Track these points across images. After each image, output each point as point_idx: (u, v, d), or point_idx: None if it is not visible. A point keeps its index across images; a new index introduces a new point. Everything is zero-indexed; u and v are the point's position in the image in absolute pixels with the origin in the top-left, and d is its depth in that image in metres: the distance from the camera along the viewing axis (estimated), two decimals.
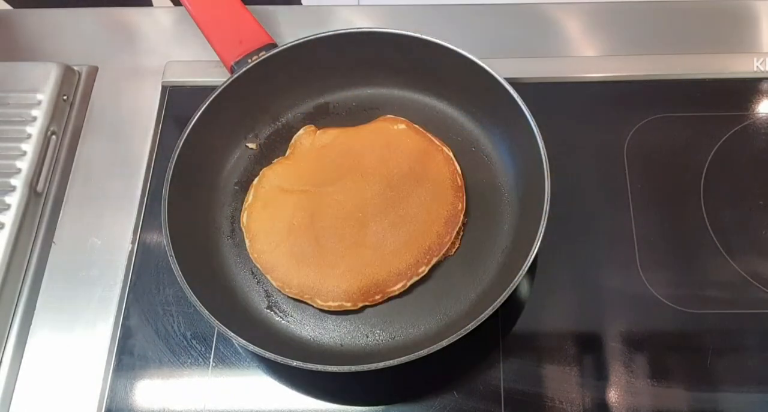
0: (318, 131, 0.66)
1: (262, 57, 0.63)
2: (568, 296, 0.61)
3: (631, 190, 0.64)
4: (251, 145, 0.67)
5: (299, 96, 0.69)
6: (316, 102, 0.69)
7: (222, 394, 0.58)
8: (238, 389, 0.58)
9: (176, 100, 0.71)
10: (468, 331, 0.51)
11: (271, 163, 0.65)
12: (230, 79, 0.63)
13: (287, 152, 0.66)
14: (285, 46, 0.64)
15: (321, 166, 0.63)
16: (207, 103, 0.61)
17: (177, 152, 0.59)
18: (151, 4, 0.78)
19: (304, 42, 0.64)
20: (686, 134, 0.67)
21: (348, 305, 0.58)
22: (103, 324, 0.61)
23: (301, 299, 0.59)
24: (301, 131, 0.66)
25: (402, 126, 0.65)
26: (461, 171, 0.63)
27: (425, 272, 0.59)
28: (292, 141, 0.66)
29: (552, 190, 0.55)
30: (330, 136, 0.65)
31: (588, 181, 0.65)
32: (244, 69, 0.63)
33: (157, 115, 0.70)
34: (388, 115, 0.66)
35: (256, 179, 0.64)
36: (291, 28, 0.69)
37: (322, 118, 0.69)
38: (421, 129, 0.65)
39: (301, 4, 0.77)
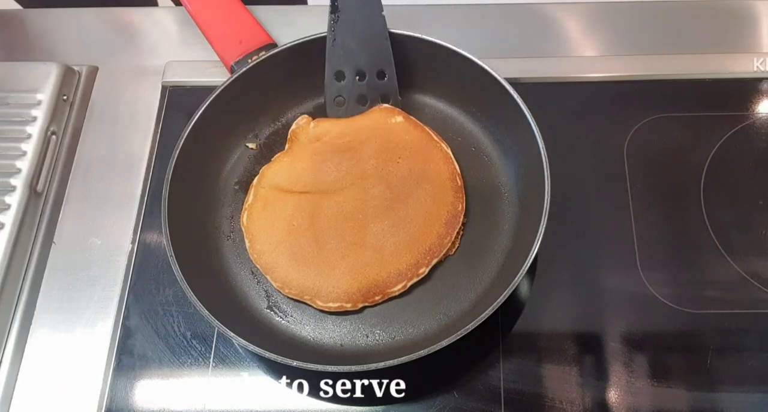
0: (312, 122, 0.65)
1: (262, 57, 0.64)
2: (568, 296, 0.61)
3: (631, 190, 0.64)
4: (251, 145, 0.67)
5: (299, 96, 0.69)
6: (316, 102, 0.69)
7: (222, 394, 0.58)
8: (238, 389, 0.58)
9: (176, 100, 0.71)
10: (468, 331, 0.51)
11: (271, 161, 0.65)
12: (230, 79, 0.63)
13: (286, 147, 0.66)
14: (285, 46, 0.64)
15: (321, 166, 0.63)
16: (207, 103, 0.61)
17: (177, 152, 0.59)
18: (156, 4, 0.78)
19: (304, 42, 0.64)
20: (686, 134, 0.67)
21: (348, 306, 0.58)
22: (103, 324, 0.61)
23: (300, 299, 0.59)
24: (294, 126, 0.66)
25: (399, 119, 0.64)
26: (461, 171, 0.63)
27: (425, 273, 0.59)
28: (289, 135, 0.66)
29: (552, 190, 0.55)
30: (323, 128, 0.65)
31: (588, 181, 0.65)
32: (244, 69, 0.63)
33: (157, 115, 0.70)
34: (384, 105, 0.66)
35: (256, 179, 0.64)
36: (291, 28, 0.69)
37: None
38: (418, 122, 0.65)
39: (306, 3, 0.77)
